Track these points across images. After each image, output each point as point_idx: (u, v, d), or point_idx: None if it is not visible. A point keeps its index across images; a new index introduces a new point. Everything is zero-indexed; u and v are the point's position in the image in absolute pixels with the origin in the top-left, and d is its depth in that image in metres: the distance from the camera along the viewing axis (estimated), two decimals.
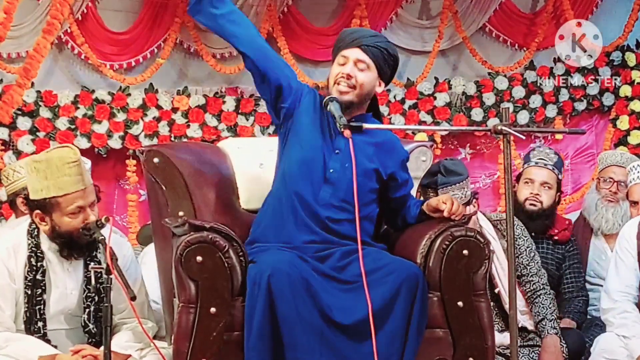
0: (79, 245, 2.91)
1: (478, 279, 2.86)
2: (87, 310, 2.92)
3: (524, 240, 3.75)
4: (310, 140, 2.97)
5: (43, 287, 2.89)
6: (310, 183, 2.93)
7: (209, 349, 2.70)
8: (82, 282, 2.95)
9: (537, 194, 4.00)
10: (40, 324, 2.87)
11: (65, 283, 2.94)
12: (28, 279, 2.89)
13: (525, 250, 3.73)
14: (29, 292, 2.88)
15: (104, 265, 2.68)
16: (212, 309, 2.70)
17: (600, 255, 4.18)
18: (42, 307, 2.88)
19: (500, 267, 3.61)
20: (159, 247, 3.26)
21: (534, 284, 3.69)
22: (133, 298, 2.68)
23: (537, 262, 3.75)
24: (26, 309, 2.88)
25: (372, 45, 2.98)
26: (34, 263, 2.89)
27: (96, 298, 2.93)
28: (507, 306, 3.42)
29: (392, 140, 3.13)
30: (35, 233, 2.94)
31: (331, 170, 2.95)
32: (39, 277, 2.88)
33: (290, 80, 3.01)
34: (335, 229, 2.92)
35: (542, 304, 3.65)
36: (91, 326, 2.93)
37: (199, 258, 2.71)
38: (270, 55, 3.01)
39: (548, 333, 3.59)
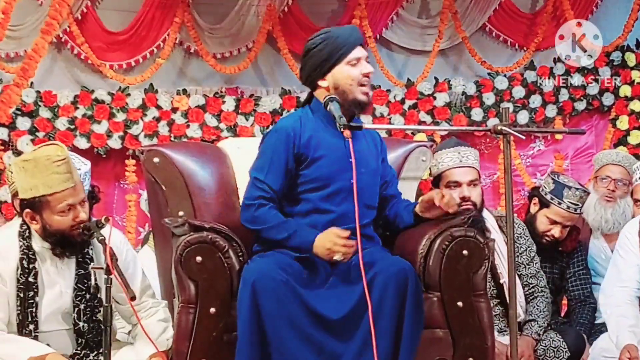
0: (72, 243, 2.87)
1: (478, 279, 2.87)
2: (77, 308, 2.88)
3: (524, 239, 3.71)
4: (327, 165, 2.92)
5: (35, 290, 2.84)
6: (331, 204, 2.89)
7: (208, 349, 2.70)
8: (74, 280, 2.91)
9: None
10: (31, 326, 2.82)
11: (60, 282, 2.90)
12: (20, 281, 2.83)
13: (526, 250, 3.68)
14: (21, 294, 2.82)
15: (103, 265, 2.67)
16: (212, 310, 2.71)
17: (600, 254, 4.16)
18: (34, 310, 2.83)
19: (503, 258, 3.58)
20: (159, 247, 3.26)
21: (532, 286, 3.65)
22: (133, 298, 2.67)
23: (537, 264, 3.70)
24: (18, 312, 2.83)
25: (363, 40, 3.01)
26: (25, 265, 2.84)
27: (87, 296, 2.89)
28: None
29: (375, 136, 3.13)
30: (27, 234, 2.88)
31: (351, 181, 2.87)
32: (31, 279, 2.83)
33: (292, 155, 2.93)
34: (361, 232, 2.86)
35: (537, 306, 3.62)
36: (81, 324, 2.88)
37: (198, 258, 2.72)
38: (285, 172, 2.92)
39: (529, 334, 3.54)
